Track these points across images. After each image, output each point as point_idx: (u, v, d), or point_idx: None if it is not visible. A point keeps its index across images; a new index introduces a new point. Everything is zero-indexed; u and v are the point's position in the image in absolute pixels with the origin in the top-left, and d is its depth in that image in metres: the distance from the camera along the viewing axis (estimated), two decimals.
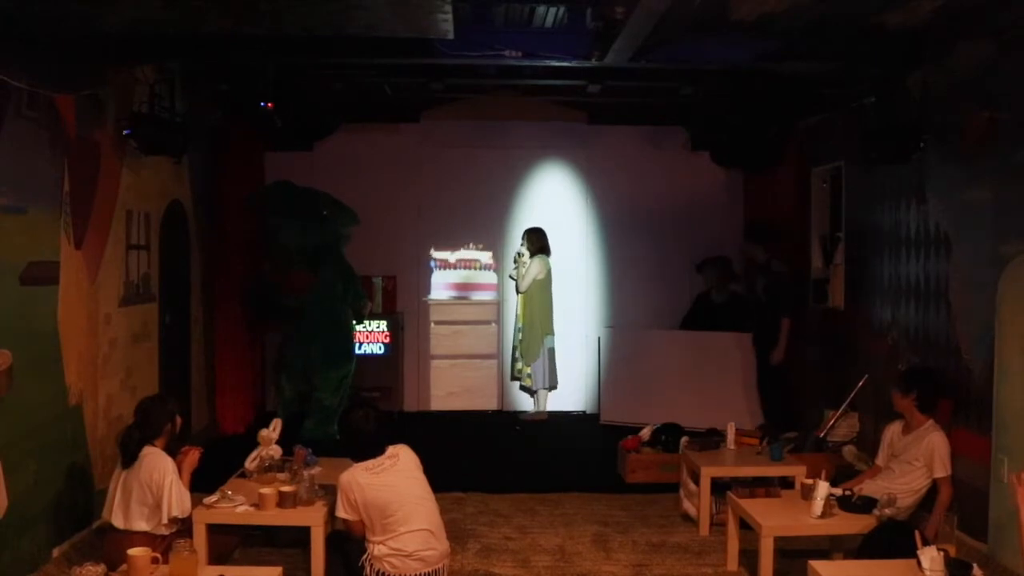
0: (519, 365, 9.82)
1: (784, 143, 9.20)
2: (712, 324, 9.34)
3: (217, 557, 4.97)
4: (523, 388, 9.93)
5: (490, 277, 10.29)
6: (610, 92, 8.59)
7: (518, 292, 9.82)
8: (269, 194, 8.91)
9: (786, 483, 6.10)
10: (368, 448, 4.73)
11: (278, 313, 8.83)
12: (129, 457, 4.87)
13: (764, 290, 8.52)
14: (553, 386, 9.84)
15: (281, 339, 8.97)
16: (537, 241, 9.78)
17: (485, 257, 10.26)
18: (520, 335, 9.77)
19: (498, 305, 10.25)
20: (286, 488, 5.19)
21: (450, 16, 5.25)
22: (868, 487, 5.52)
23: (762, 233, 8.75)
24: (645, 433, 7.64)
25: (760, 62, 6.66)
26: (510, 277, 10.03)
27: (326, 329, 8.63)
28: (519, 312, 9.82)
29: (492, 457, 8.29)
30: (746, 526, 5.42)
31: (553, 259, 9.89)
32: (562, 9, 6.50)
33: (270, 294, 8.77)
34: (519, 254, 9.84)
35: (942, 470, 5.41)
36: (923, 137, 6.36)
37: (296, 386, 8.69)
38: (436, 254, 10.22)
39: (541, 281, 9.74)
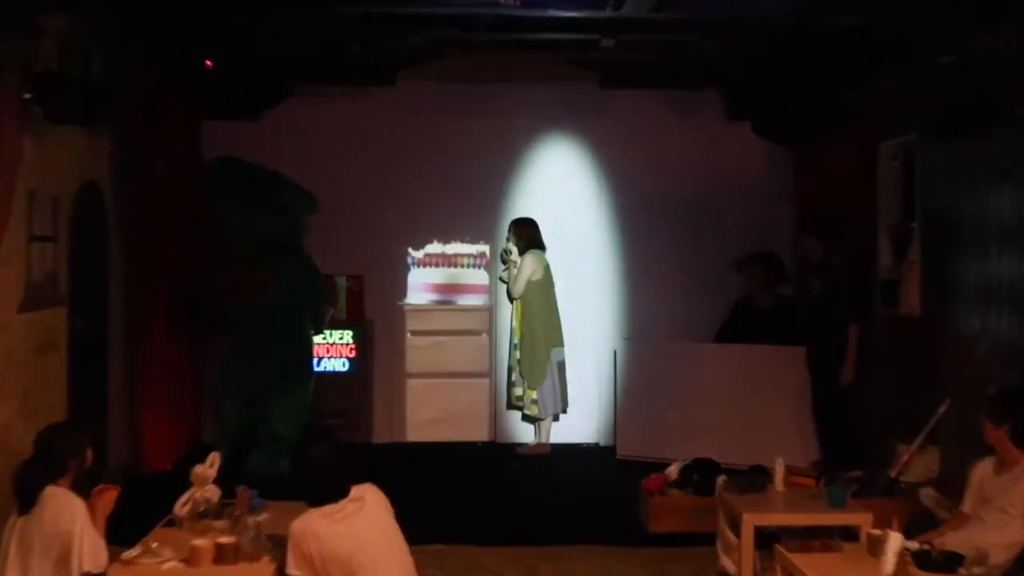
0: (518, 391, 9.73)
1: (844, 111, 9.16)
2: (755, 334, 9.32)
3: None
4: (526, 418, 9.86)
5: (480, 277, 10.26)
6: (628, 48, 8.56)
7: (511, 299, 9.76)
8: (213, 173, 8.87)
9: (849, 534, 6.05)
10: (327, 489, 4.69)
11: (223, 321, 8.76)
12: (28, 500, 4.81)
13: (820, 294, 8.46)
14: (565, 409, 9.82)
15: (225, 353, 8.91)
16: (526, 234, 9.73)
17: (474, 252, 10.21)
18: (518, 353, 9.68)
19: (490, 311, 10.22)
20: (225, 539, 5.12)
21: None
22: (952, 540, 5.47)
23: (820, 225, 8.68)
24: (672, 471, 7.61)
25: (810, 11, 6.62)
26: (500, 280, 9.97)
27: (284, 341, 8.60)
28: (514, 324, 9.76)
29: (482, 500, 8.26)
30: None
31: (559, 256, 9.89)
32: None
33: (213, 297, 8.69)
34: (506, 252, 9.79)
35: None
36: (1017, 104, 6.30)
37: (242, 412, 8.63)
38: (414, 249, 10.16)
39: (539, 282, 9.69)
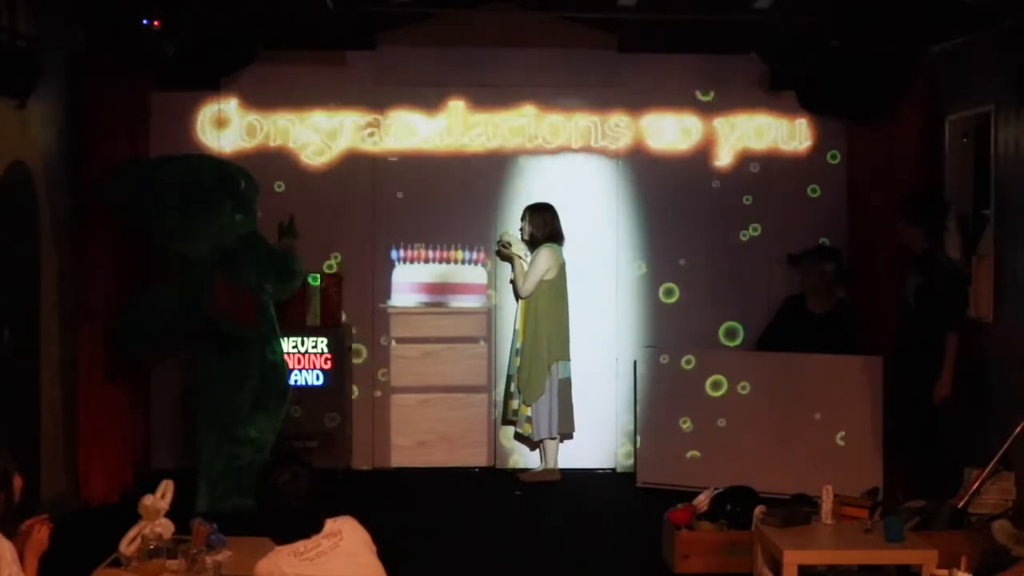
0: (514, 404, 9.77)
1: (907, 79, 9.15)
2: (806, 342, 9.35)
3: None
4: (519, 436, 9.90)
5: (478, 275, 10.24)
6: (651, 6, 8.55)
7: (518, 297, 9.78)
8: (119, 187, 8.70)
9: (908, 574, 6.07)
10: (297, 523, 4.70)
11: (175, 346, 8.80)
12: None
13: (918, 291, 8.41)
14: (566, 433, 9.83)
15: (198, 378, 8.86)
16: (544, 223, 9.73)
17: (470, 245, 10.21)
18: (519, 360, 9.72)
19: (490, 314, 10.23)
20: None
21: None
22: None
23: (924, 210, 8.60)
24: (702, 500, 7.61)
25: None
26: (511, 282, 9.98)
27: (270, 357, 8.64)
28: (518, 327, 9.78)
29: (479, 535, 8.27)
30: None
31: (567, 248, 9.87)
32: None
33: (222, 323, 8.59)
34: (504, 244, 9.76)
35: None
36: None
37: (221, 442, 8.59)
38: (399, 242, 10.18)
39: (551, 282, 9.70)
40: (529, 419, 9.68)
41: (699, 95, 10.13)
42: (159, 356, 9.37)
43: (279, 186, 9.87)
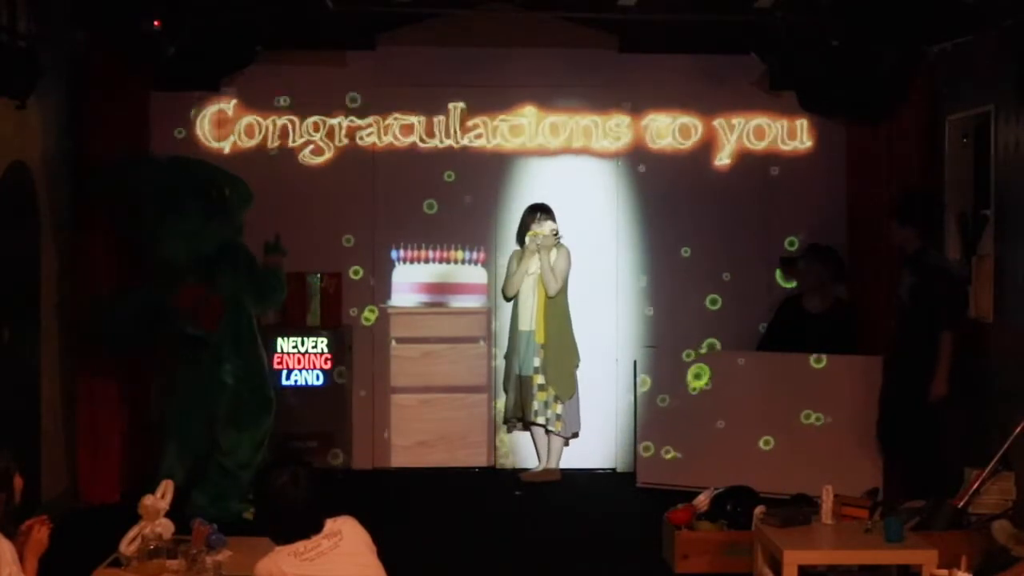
0: (535, 404, 9.65)
1: (907, 79, 9.15)
2: (805, 342, 9.35)
3: None
4: (549, 431, 9.72)
5: (478, 275, 10.25)
6: (651, 6, 8.54)
7: (548, 296, 9.75)
8: (127, 177, 8.66)
9: (908, 574, 6.07)
10: (297, 524, 4.70)
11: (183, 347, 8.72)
12: None
13: (911, 291, 8.42)
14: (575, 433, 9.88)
15: (159, 388, 8.80)
16: (555, 222, 9.78)
17: (470, 246, 10.21)
18: (537, 360, 9.67)
19: (489, 314, 10.23)
20: None
21: None
22: None
23: (917, 211, 8.61)
24: (702, 500, 7.62)
25: None
26: (502, 289, 9.99)
27: (236, 368, 8.48)
28: (534, 326, 9.75)
29: (479, 535, 8.27)
30: None
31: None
32: None
33: (172, 322, 8.52)
34: (556, 232, 9.66)
35: None
36: None
37: (191, 456, 8.50)
38: (399, 242, 10.19)
39: (568, 281, 9.79)
40: (560, 417, 9.68)
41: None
42: (129, 354, 9.15)
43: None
